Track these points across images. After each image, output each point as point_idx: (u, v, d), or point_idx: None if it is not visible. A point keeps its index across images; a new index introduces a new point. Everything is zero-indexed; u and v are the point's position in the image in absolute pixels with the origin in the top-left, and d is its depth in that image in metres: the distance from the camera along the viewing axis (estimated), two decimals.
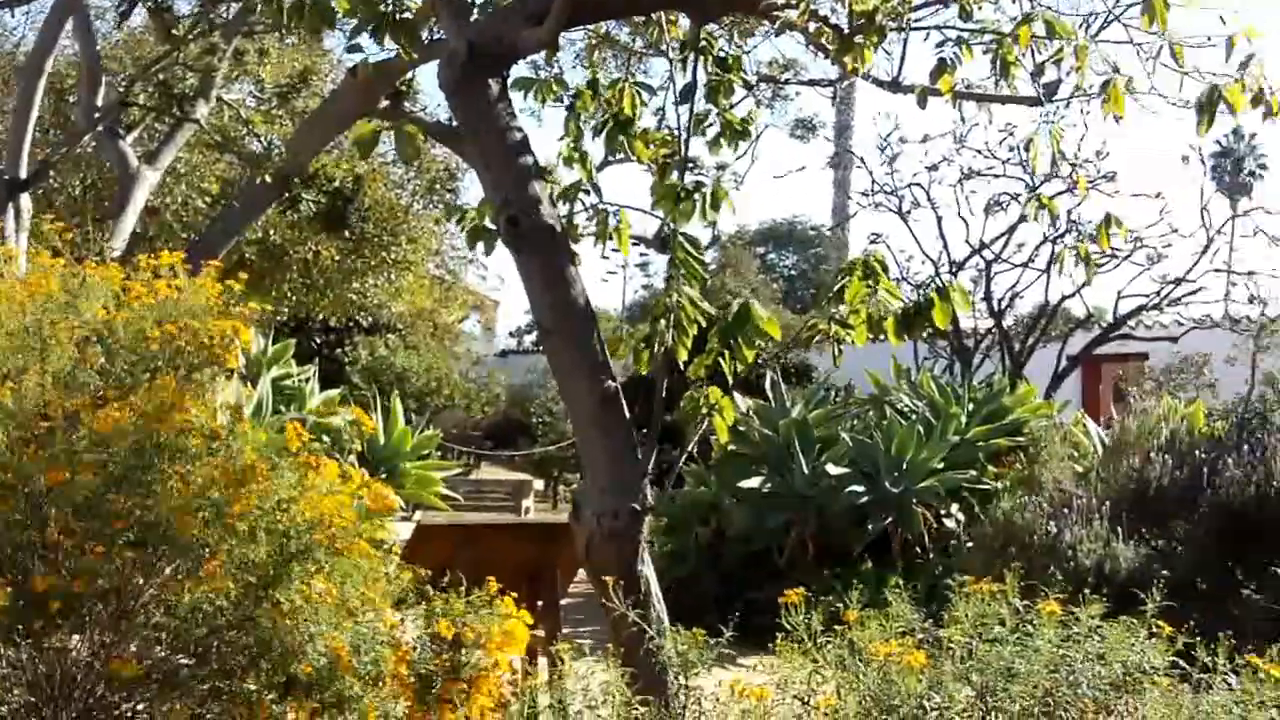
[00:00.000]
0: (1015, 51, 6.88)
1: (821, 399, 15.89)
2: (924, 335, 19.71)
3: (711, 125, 7.57)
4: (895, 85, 7.92)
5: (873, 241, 20.40)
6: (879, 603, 5.11)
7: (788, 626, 4.80)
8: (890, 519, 13.37)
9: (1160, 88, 6.84)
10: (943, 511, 13.51)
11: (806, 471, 14.00)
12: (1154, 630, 4.75)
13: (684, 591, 12.07)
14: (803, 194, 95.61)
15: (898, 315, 6.66)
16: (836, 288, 6.77)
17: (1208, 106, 6.18)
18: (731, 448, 14.64)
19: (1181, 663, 4.66)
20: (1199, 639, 4.75)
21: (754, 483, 14.08)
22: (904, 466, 13.72)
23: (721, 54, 7.36)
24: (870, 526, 13.37)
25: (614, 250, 7.68)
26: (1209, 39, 6.35)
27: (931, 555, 13.08)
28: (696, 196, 6.74)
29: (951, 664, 4.53)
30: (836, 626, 4.83)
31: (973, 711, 4.38)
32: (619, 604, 5.42)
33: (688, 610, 8.32)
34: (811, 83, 8.77)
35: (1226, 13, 6.29)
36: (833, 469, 13.86)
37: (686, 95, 6.94)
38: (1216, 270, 18.83)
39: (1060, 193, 17.10)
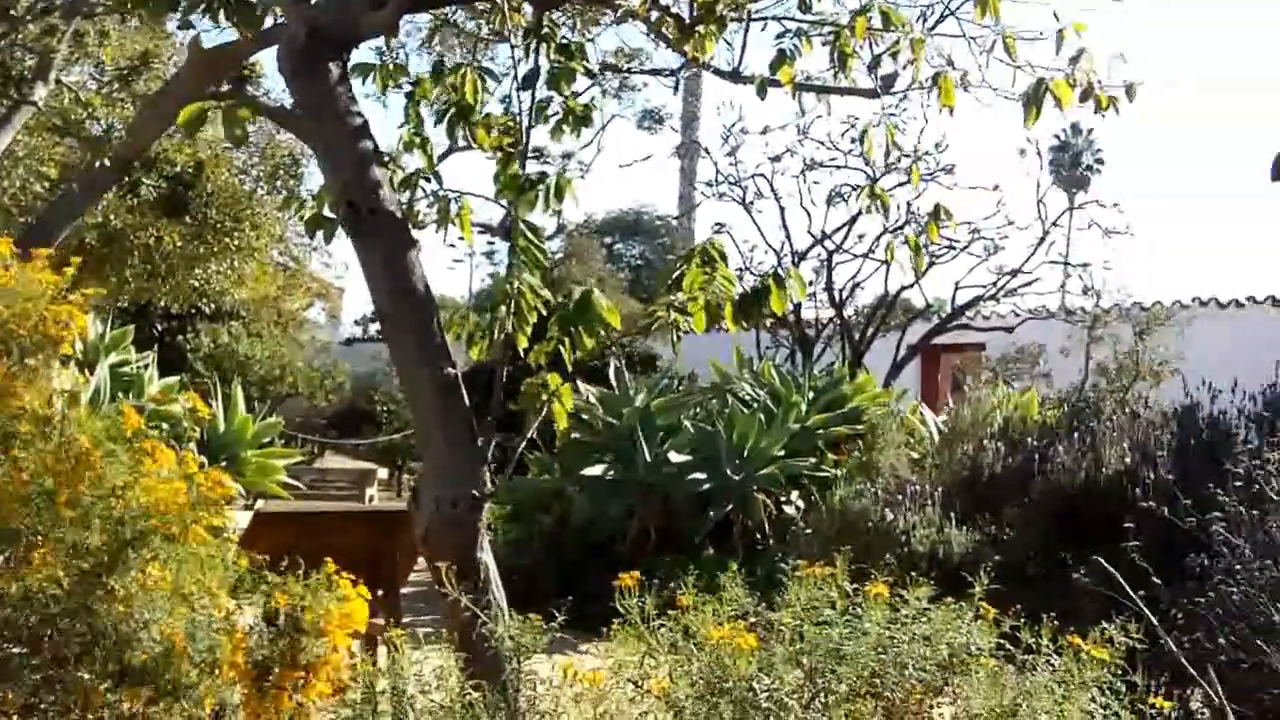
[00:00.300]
0: (853, 44, 6.97)
1: (665, 387, 15.98)
2: (766, 323, 19.92)
3: (556, 114, 7.56)
4: (736, 76, 7.98)
5: (716, 231, 20.54)
6: (719, 588, 5.17)
7: (622, 611, 4.84)
8: (731, 506, 13.49)
9: (995, 81, 6.98)
10: (783, 498, 13.67)
11: (649, 459, 14.07)
12: (980, 613, 4.85)
13: (527, 579, 12.10)
14: (651, 184, 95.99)
15: (735, 302, 6.72)
16: (675, 275, 6.81)
17: (1034, 100, 6.32)
18: (575, 436, 14.70)
19: (1007, 644, 4.77)
20: (1025, 622, 4.86)
21: (597, 470, 14.13)
22: (745, 454, 13.86)
23: (564, 41, 7.36)
24: (712, 514, 13.49)
25: (461, 239, 7.66)
26: (1040, 33, 6.50)
27: (772, 542, 13.21)
28: (540, 186, 6.74)
29: (782, 647, 4.59)
30: (671, 611, 4.87)
31: (802, 693, 4.45)
32: (456, 590, 5.42)
33: (531, 597, 8.34)
34: (654, 72, 8.84)
35: (1069, 9, 6.45)
36: (675, 457, 13.96)
37: (528, 82, 6.94)
38: (1052, 262, 19.21)
39: (899, 185, 17.37)
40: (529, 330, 6.59)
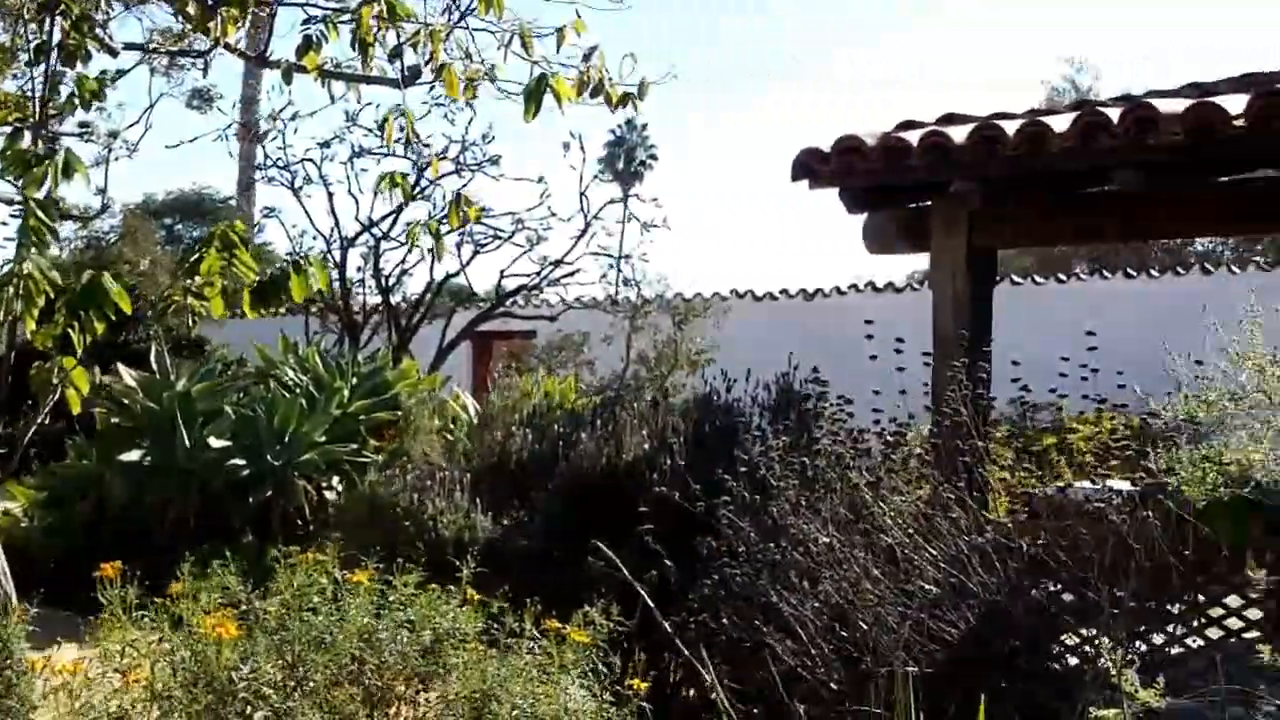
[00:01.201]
0: (375, 33, 6.99)
1: (208, 372, 15.67)
2: (315, 309, 19.75)
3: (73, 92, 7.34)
4: (263, 60, 7.91)
5: (266, 216, 20.32)
6: (259, 574, 5.14)
7: (104, 601, 4.77)
8: (272, 492, 13.36)
9: (518, 75, 7.11)
10: (324, 484, 13.62)
11: (189, 445, 13.79)
12: (468, 598, 4.96)
13: (60, 567, 11.78)
14: (215, 165, 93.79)
15: (254, 288, 6.68)
16: (193, 259, 6.73)
17: (534, 95, 6.47)
18: (115, 421, 14.31)
19: (495, 629, 4.89)
20: (532, 605, 4.99)
21: (135, 455, 13.77)
22: (286, 439, 13.73)
23: (78, 16, 7.15)
24: (251, 499, 13.33)
25: None
26: (556, 30, 6.66)
27: (312, 527, 13.13)
28: (48, 163, 6.54)
29: (265, 636, 4.60)
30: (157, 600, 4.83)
31: (283, 683, 4.47)
32: None
33: (64, 585, 8.14)
34: (181, 53, 8.60)
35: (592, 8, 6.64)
36: (215, 442, 13.73)
37: (39, 56, 6.74)
38: (594, 253, 19.58)
39: (447, 174, 17.48)
40: (36, 313, 6.39)
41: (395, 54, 7.08)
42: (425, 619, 4.64)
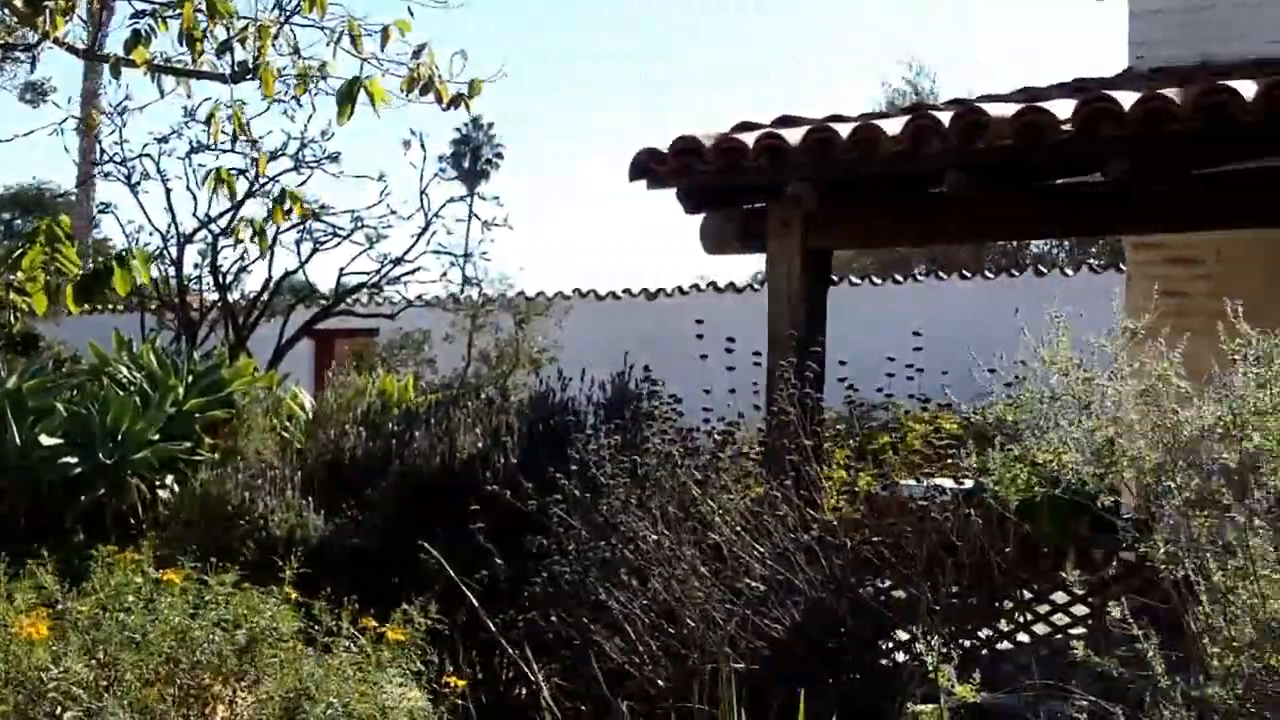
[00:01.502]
0: (202, 27, 6.92)
1: (40, 369, 15.37)
2: (152, 305, 19.47)
3: None
4: (91, 54, 7.81)
5: (102, 211, 19.98)
6: (86, 573, 5.06)
7: None
8: (104, 490, 13.15)
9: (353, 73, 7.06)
10: (158, 482, 13.41)
11: (20, 443, 13.53)
12: (288, 598, 4.94)
13: None
14: (57, 160, 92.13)
15: (77, 282, 6.59)
16: (15, 254, 6.63)
17: (348, 96, 6.45)
18: None
19: (315, 627, 4.87)
20: (350, 603, 4.98)
21: None
22: (119, 437, 13.50)
23: None
24: (84, 498, 13.11)
25: None
26: (384, 28, 6.64)
27: (145, 526, 12.95)
28: None
29: (78, 635, 4.55)
30: None
31: (94, 683, 4.42)
32: None
33: None
34: (8, 46, 8.46)
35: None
36: (46, 440, 13.45)
37: None
38: (435, 252, 19.45)
39: (285, 171, 17.29)
40: None
41: (223, 49, 7.01)
42: (242, 618, 4.61)
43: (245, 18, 6.84)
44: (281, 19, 6.99)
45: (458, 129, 66.37)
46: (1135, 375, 5.32)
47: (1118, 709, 5.05)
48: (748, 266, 30.62)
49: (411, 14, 6.91)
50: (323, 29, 6.99)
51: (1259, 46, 10.11)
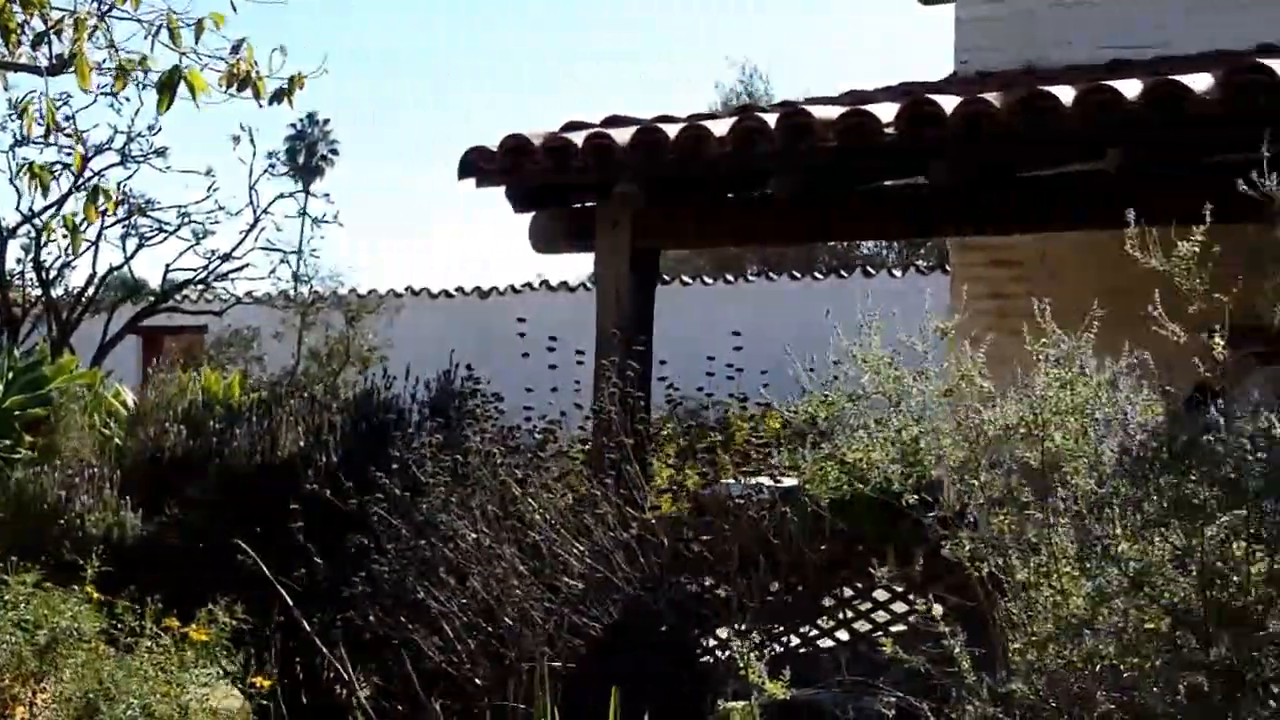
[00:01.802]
0: (19, 19, 6.78)
1: None
2: None
3: None
4: None
5: None
6: None
7: None
8: None
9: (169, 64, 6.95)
10: None
11: None
12: (90, 598, 4.87)
13: None
14: None
15: None
16: None
17: (168, 86, 6.37)
18: None
19: (119, 627, 4.81)
20: (153, 603, 4.92)
21: None
22: None
23: None
24: None
25: None
26: (198, 21, 6.55)
27: None
28: None
29: None
30: None
31: None
32: None
33: None
34: None
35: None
36: None
37: None
38: (265, 248, 19.24)
39: (112, 165, 17.02)
40: None
41: (38, 41, 6.88)
42: (43, 619, 4.53)
43: (61, 10, 6.72)
44: (98, 11, 6.87)
45: (292, 125, 65.66)
46: (941, 375, 5.42)
47: (924, 704, 5.13)
48: (584, 265, 30.69)
49: (235, 10, 6.87)
50: (141, 22, 6.88)
51: (1081, 53, 10.33)
